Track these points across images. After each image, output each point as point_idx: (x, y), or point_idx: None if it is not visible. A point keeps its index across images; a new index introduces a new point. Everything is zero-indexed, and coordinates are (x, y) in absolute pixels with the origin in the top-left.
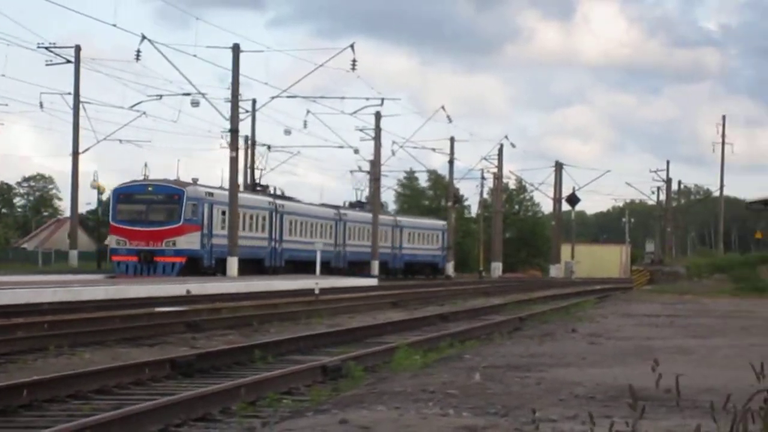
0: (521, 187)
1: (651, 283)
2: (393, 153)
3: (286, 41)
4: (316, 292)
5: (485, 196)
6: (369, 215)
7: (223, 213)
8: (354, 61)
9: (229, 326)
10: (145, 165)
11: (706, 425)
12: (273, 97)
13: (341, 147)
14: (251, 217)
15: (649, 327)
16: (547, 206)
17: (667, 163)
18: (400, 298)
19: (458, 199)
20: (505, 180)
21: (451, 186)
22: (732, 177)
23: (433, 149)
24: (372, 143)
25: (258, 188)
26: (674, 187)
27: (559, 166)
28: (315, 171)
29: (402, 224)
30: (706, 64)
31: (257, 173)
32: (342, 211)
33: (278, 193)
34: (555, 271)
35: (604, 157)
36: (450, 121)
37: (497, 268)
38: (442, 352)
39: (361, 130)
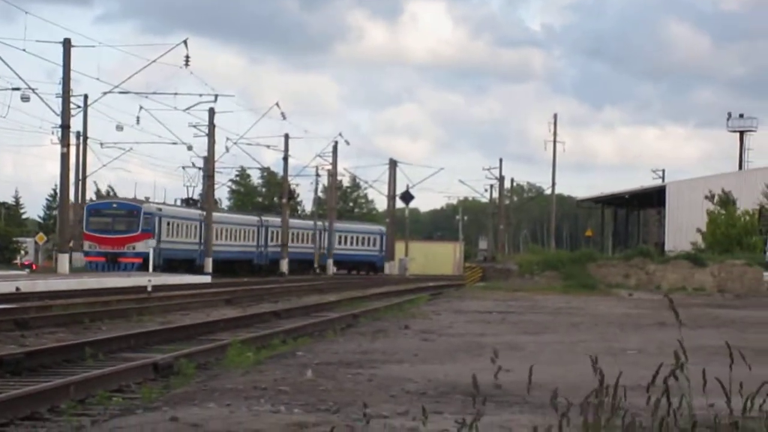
0: (355, 185)
1: (483, 280)
2: (227, 150)
3: (115, 37)
4: (149, 289)
5: (320, 193)
6: (292, 221)
7: (169, 224)
8: (187, 57)
9: (60, 324)
10: (109, 186)
11: (534, 420)
12: (105, 93)
13: (174, 143)
14: (186, 227)
15: (481, 323)
16: (381, 203)
17: (500, 161)
18: (233, 296)
19: (292, 196)
20: (339, 177)
21: (285, 183)
22: (563, 175)
23: (268, 146)
24: (206, 140)
25: (190, 202)
26: (507, 184)
27: (393, 164)
28: (147, 167)
29: (338, 229)
30: (532, 64)
31: (189, 190)
32: (264, 218)
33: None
34: (389, 268)
35: (435, 155)
36: (284, 118)
37: (331, 264)
38: (274, 349)
39: (194, 126)
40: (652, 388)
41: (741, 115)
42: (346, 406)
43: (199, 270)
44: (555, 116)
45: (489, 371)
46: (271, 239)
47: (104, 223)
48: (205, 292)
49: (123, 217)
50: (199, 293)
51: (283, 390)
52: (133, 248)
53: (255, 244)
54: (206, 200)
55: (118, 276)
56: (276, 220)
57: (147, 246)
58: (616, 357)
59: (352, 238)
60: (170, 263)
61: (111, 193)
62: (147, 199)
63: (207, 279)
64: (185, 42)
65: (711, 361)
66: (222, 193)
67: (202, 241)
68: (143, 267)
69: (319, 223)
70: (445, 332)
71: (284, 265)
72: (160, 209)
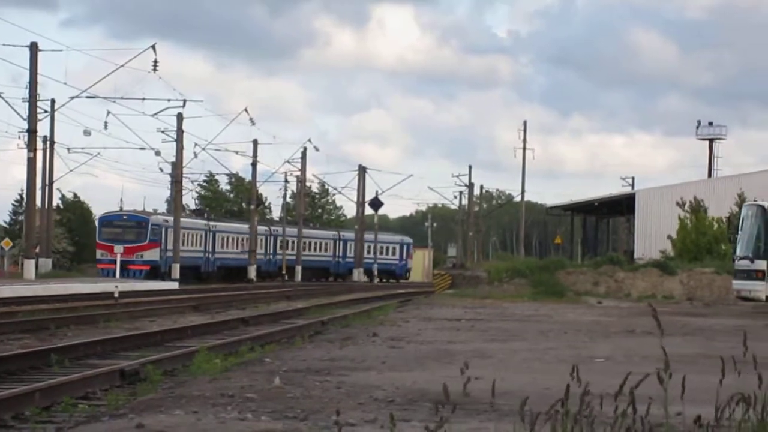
0: (324, 191)
1: (453, 287)
2: (195, 155)
3: (81, 42)
4: (116, 295)
5: (288, 199)
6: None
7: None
8: (155, 61)
9: (25, 330)
10: (121, 200)
11: (502, 428)
12: (72, 97)
13: (142, 149)
14: (192, 236)
15: (450, 331)
16: (350, 210)
17: (469, 168)
18: (201, 302)
19: (261, 202)
20: (308, 183)
21: (254, 189)
22: (532, 182)
23: (236, 152)
24: (174, 145)
25: (196, 213)
26: (476, 191)
27: (362, 170)
28: (114, 172)
29: (345, 238)
30: (499, 71)
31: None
32: (274, 228)
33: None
34: (358, 275)
35: (404, 161)
36: (253, 123)
37: (299, 271)
38: (242, 356)
39: (162, 131)
40: (620, 397)
41: (710, 123)
42: (313, 413)
43: (204, 276)
44: (525, 123)
45: (458, 379)
46: (280, 247)
47: (115, 233)
48: (172, 299)
49: (132, 228)
50: (167, 299)
51: (251, 397)
52: (141, 256)
53: (263, 252)
54: (174, 206)
55: (85, 282)
56: (286, 229)
57: (153, 255)
58: (585, 365)
59: (368, 246)
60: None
61: (77, 198)
62: (155, 210)
63: (174, 285)
64: (153, 47)
65: (679, 369)
66: (190, 199)
67: (208, 248)
68: (152, 274)
69: (334, 233)
70: (414, 339)
71: (252, 272)
72: (166, 220)
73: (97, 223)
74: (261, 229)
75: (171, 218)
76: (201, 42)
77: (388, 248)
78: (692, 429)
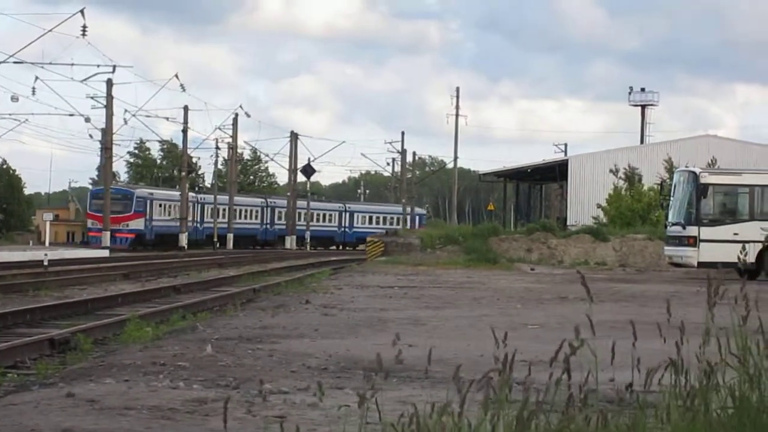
0: (256, 158)
1: (385, 255)
2: (125, 122)
3: (6, 5)
4: (45, 263)
5: (220, 166)
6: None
7: (161, 205)
8: (84, 26)
9: None
10: (114, 173)
11: (436, 395)
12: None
13: (71, 115)
14: (171, 206)
15: (383, 298)
16: (282, 177)
17: (402, 134)
18: (132, 270)
19: (192, 168)
20: (240, 150)
21: (185, 155)
22: (464, 149)
23: (167, 118)
24: (103, 111)
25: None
26: (409, 158)
27: (294, 137)
28: (42, 139)
29: (351, 209)
30: (429, 37)
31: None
32: (270, 200)
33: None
34: (290, 242)
35: (335, 127)
36: (183, 89)
37: (231, 239)
38: (174, 324)
39: (92, 97)
40: (555, 363)
41: (642, 89)
42: (245, 381)
43: (189, 243)
44: (457, 90)
45: (391, 347)
46: (278, 218)
47: (104, 205)
48: (103, 267)
49: (119, 200)
50: (97, 268)
51: (183, 365)
52: (127, 225)
53: (260, 222)
54: (103, 173)
55: (14, 250)
56: (282, 201)
57: (138, 224)
58: (518, 331)
59: (376, 217)
60: (162, 238)
61: (5, 165)
62: (139, 184)
63: (105, 253)
64: (82, 11)
65: (611, 335)
66: (120, 166)
67: (196, 219)
68: (138, 242)
69: (341, 204)
70: (347, 307)
71: (183, 239)
72: (151, 193)
73: (88, 195)
74: (257, 201)
75: (156, 191)
76: (126, 6)
77: (399, 219)
78: (623, 395)
